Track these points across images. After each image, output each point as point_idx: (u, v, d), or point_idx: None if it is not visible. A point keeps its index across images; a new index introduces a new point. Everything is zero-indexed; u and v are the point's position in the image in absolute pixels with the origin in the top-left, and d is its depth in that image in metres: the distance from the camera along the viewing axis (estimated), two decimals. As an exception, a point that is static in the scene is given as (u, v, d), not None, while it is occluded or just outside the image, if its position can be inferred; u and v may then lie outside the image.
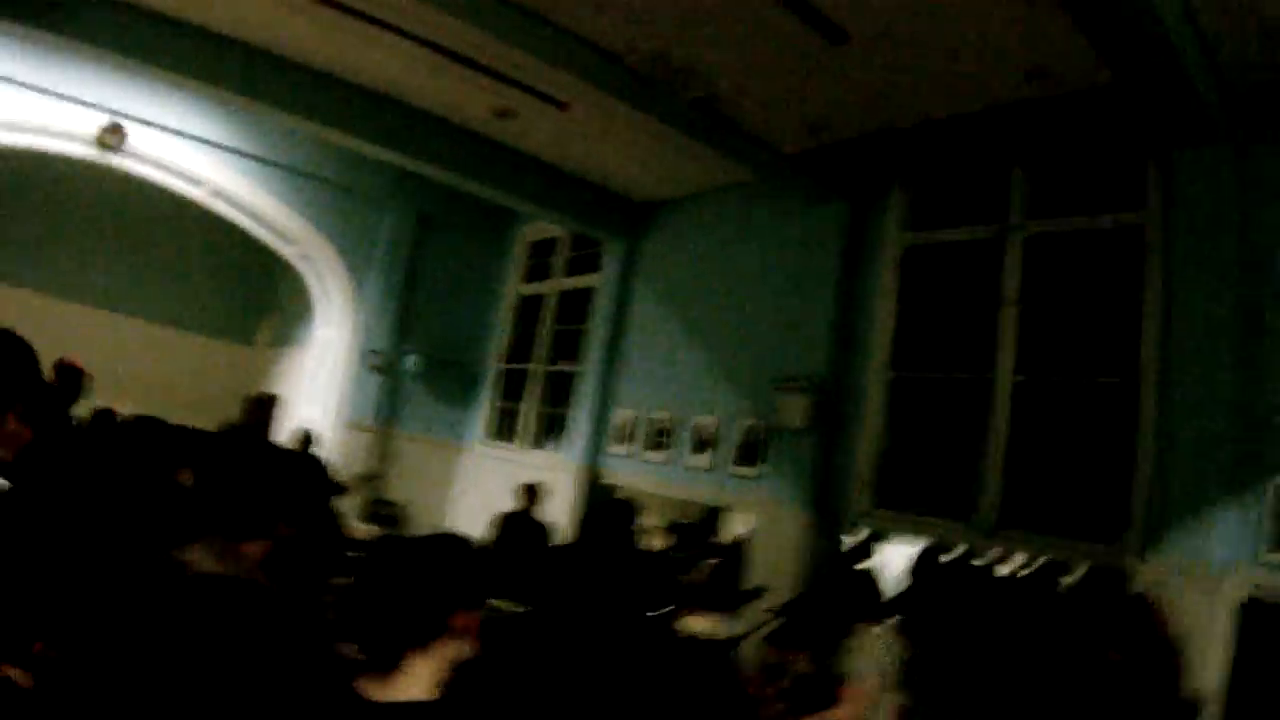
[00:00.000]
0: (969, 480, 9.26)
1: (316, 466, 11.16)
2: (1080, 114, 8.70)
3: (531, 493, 11.89)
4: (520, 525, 11.52)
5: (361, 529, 12.69)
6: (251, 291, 19.65)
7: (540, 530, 11.67)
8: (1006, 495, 8.95)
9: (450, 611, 2.79)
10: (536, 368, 15.84)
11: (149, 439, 6.08)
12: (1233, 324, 7.34)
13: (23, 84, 12.39)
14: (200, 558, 3.40)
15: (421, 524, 15.23)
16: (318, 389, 15.53)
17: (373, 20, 9.87)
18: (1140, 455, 7.86)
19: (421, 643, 2.76)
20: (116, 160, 13.31)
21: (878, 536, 11.87)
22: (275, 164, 14.42)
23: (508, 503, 12.00)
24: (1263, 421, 7.09)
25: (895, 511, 9.93)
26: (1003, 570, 10.08)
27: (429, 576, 2.81)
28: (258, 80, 11.21)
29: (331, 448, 14.33)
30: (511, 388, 16.33)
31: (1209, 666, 6.58)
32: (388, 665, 2.71)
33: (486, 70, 10.63)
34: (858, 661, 6.25)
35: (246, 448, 6.18)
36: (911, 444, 10.05)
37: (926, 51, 8.42)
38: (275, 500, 3.66)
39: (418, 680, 2.73)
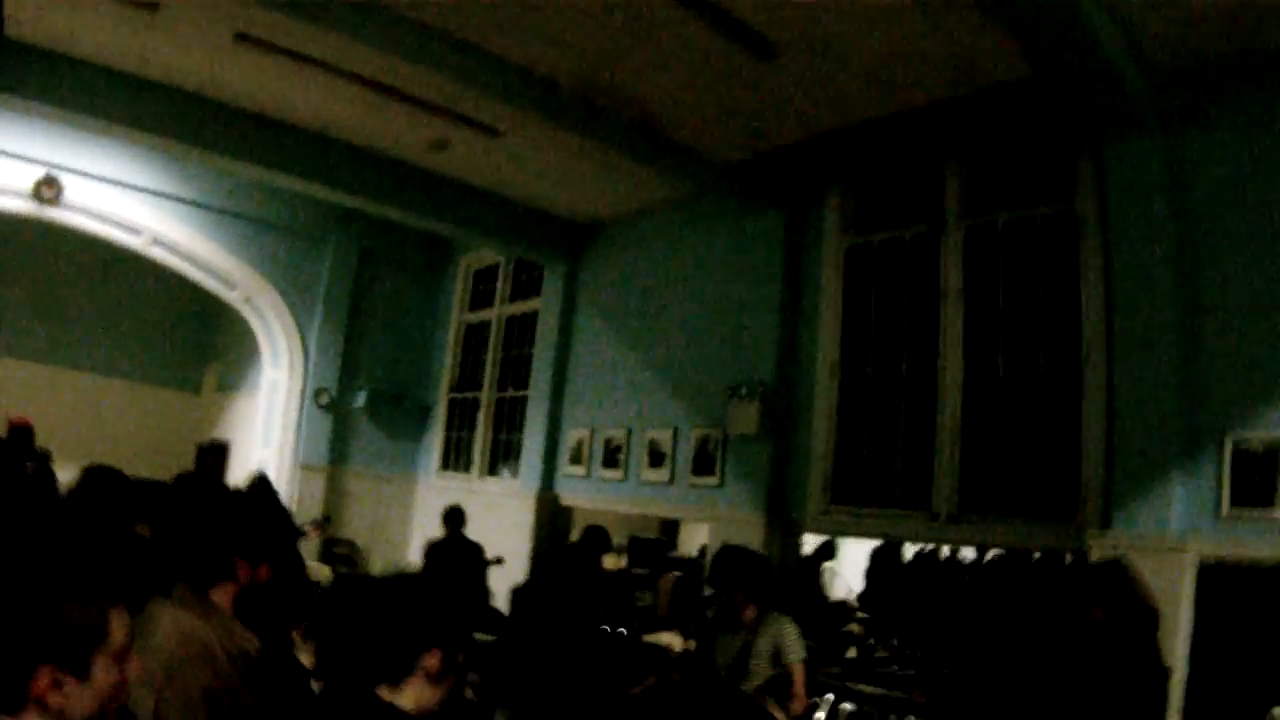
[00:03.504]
0: (924, 471, 9.38)
1: (277, 506, 11.11)
2: (1009, 107, 8.80)
3: (454, 516, 11.89)
4: (452, 550, 11.50)
5: (318, 571, 12.65)
6: (196, 338, 19.53)
7: (474, 551, 11.67)
8: (963, 483, 9.05)
9: (419, 651, 2.81)
10: (486, 395, 15.82)
11: (105, 492, 6.01)
12: (1172, 295, 7.52)
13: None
14: (166, 609, 3.37)
15: (379, 561, 15.21)
16: (268, 432, 15.43)
17: (303, 58, 9.85)
18: (1087, 431, 8.03)
19: (393, 681, 2.78)
20: (53, 213, 13.18)
21: (831, 545, 12.01)
22: (213, 208, 14.33)
23: (466, 531, 12.02)
24: (1207, 384, 7.29)
25: (853, 508, 9.99)
26: (967, 556, 10.22)
27: (396, 616, 2.82)
28: (191, 125, 11.15)
29: (285, 490, 14.29)
30: (462, 417, 16.29)
31: (1174, 632, 6.70)
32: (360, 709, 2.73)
33: (419, 102, 10.64)
34: (788, 652, 6.49)
35: (201, 496, 6.08)
36: (865, 440, 10.13)
37: (851, 56, 8.50)
38: (239, 544, 3.60)
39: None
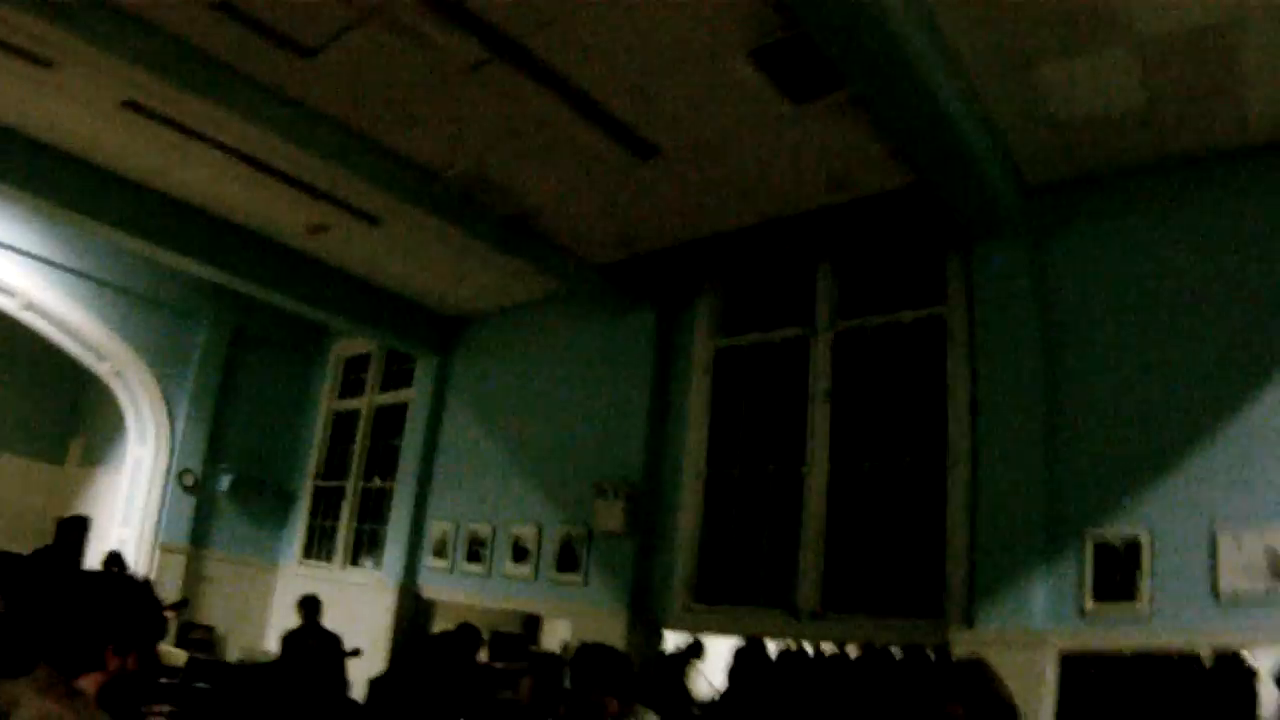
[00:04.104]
0: (788, 570, 9.50)
1: (150, 595, 10.79)
2: (882, 214, 9.14)
3: (310, 605, 11.73)
4: (308, 639, 11.35)
5: (173, 654, 12.41)
6: (62, 408, 19.21)
7: (332, 641, 11.50)
8: (826, 581, 9.22)
9: None
10: (351, 484, 15.67)
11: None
12: (1037, 397, 7.86)
13: None
14: (28, 693, 3.21)
15: (236, 648, 14.97)
16: (130, 510, 15.13)
17: (189, 131, 9.84)
18: (951, 530, 8.22)
19: None
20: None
21: (698, 645, 12.06)
22: (90, 277, 14.12)
23: (325, 622, 11.83)
24: (1069, 484, 7.58)
25: (716, 606, 10.10)
26: (828, 651, 10.30)
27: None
28: (72, 189, 11.03)
29: (143, 570, 14.03)
30: (326, 505, 16.12)
31: None
32: None
33: (301, 185, 10.69)
34: None
35: (68, 576, 5.94)
36: (729, 539, 10.26)
37: (732, 163, 8.76)
38: (114, 632, 3.43)
39: None
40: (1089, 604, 7.24)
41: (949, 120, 6.83)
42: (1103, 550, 7.30)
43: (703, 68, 7.41)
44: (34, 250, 13.58)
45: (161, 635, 5.01)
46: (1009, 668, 6.07)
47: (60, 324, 14.21)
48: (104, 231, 12.02)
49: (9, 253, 13.44)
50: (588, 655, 6.90)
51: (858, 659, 9.85)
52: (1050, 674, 7.18)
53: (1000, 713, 5.66)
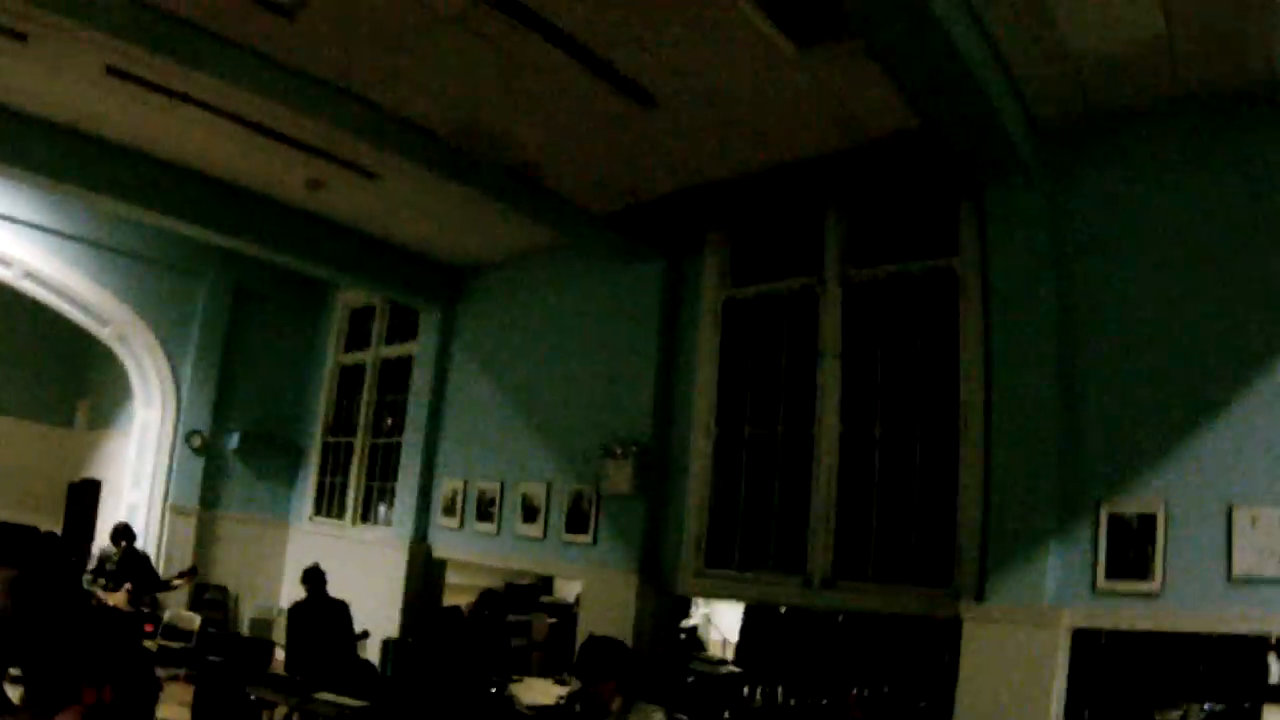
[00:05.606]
0: (798, 535, 9.33)
1: (121, 619, 10.65)
2: (891, 158, 8.82)
3: (315, 577, 11.44)
4: (316, 612, 11.12)
5: (189, 620, 12.32)
6: (68, 371, 19.16)
7: (339, 610, 11.26)
8: (837, 548, 9.04)
9: None
10: (360, 440, 15.55)
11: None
12: (1052, 359, 7.53)
13: None
14: None
15: (249, 607, 14.92)
16: (140, 472, 15.14)
17: (174, 94, 9.63)
18: (964, 499, 8.01)
19: None
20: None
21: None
22: (87, 241, 14.01)
23: (336, 580, 11.63)
24: (1085, 454, 7.31)
25: (727, 570, 9.94)
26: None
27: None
28: (64, 160, 10.88)
29: (154, 533, 14.20)
30: (336, 461, 16.01)
31: (1049, 697, 6.78)
32: None
33: (295, 143, 10.48)
34: None
35: (41, 603, 6.05)
36: (740, 500, 10.06)
37: (734, 108, 8.49)
38: (86, 669, 3.47)
39: None
40: (1101, 580, 7.04)
41: (960, 56, 6.41)
42: (1116, 524, 7.06)
43: (703, 11, 7.08)
44: (29, 219, 13.47)
45: (140, 666, 5.04)
46: (1019, 643, 5.93)
47: (60, 290, 14.12)
48: (99, 199, 11.94)
49: (4, 223, 13.31)
50: (594, 649, 6.83)
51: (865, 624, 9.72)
52: (1062, 651, 7.00)
53: None
